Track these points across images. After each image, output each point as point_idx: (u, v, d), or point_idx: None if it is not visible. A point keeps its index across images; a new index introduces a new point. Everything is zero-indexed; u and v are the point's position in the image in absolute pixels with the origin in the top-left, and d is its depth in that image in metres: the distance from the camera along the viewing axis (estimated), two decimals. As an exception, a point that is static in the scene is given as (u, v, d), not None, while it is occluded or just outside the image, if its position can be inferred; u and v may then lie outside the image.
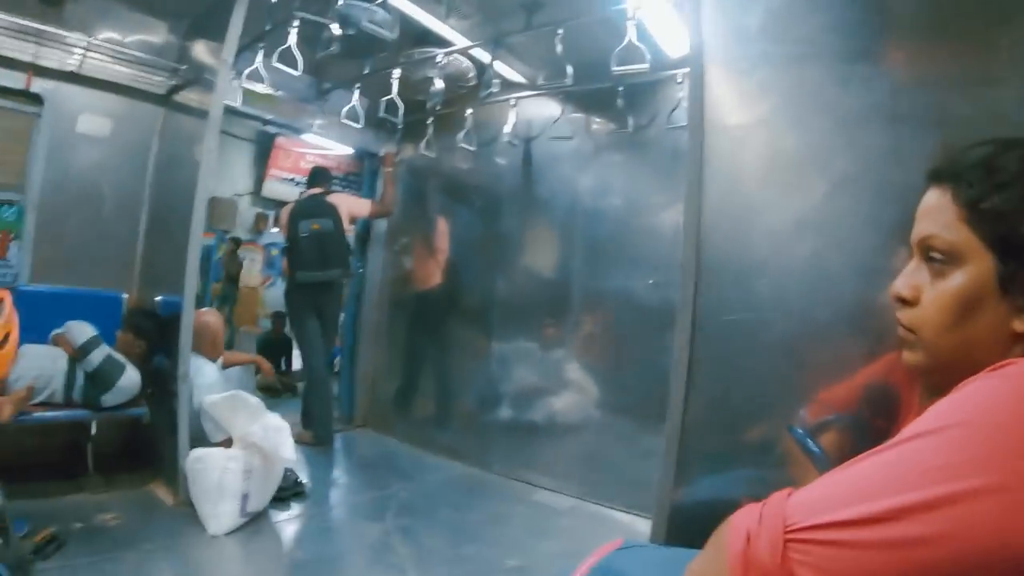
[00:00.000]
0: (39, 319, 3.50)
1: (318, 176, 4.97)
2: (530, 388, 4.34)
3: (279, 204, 7.16)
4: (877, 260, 1.81)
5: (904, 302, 0.99)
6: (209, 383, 3.69)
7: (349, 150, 5.96)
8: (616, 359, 3.99)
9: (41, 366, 3.36)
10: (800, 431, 1.84)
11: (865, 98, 1.90)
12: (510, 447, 4.36)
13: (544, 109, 4.32)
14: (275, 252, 8.83)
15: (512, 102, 4.27)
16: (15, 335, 1.58)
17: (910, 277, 0.99)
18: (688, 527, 2.13)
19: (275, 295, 8.06)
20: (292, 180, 8.76)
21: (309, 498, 3.76)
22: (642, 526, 3.39)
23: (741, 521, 0.82)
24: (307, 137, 5.41)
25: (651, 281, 3.78)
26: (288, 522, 3.49)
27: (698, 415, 2.18)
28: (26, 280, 3.85)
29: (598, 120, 4.20)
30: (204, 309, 3.98)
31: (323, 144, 5.99)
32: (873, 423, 1.76)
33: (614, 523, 3.63)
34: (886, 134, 1.85)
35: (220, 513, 3.21)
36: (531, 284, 4.43)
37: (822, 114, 1.99)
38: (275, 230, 7.97)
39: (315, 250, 4.66)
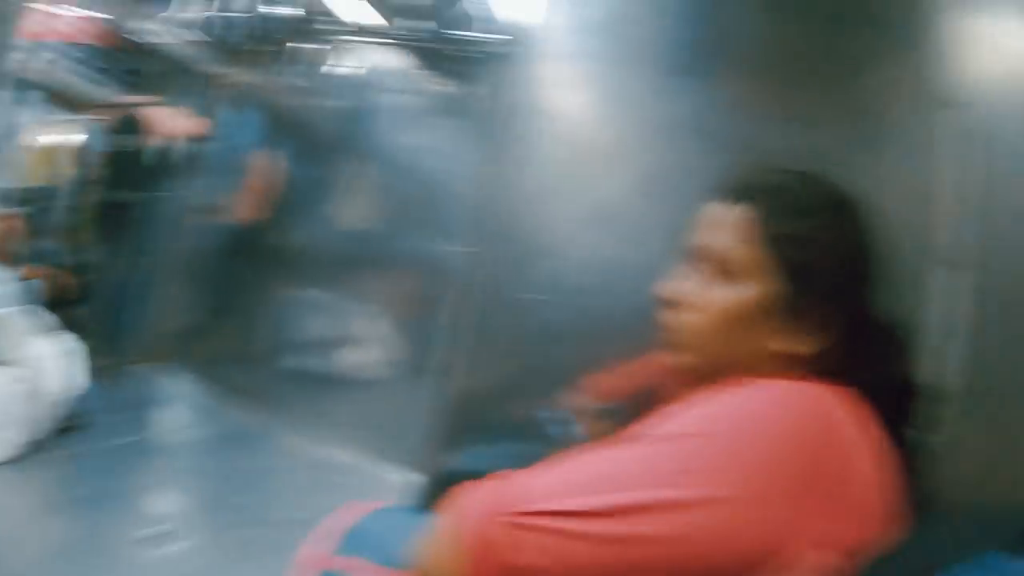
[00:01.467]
0: None
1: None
2: (319, 339, 4.31)
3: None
4: (659, 261, 2.02)
5: (671, 305, 1.05)
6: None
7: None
8: (420, 321, 3.93)
9: None
10: (547, 415, 1.95)
11: (679, 110, 2.11)
12: (301, 396, 4.25)
13: (389, 59, 4.25)
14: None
15: (358, 45, 4.23)
16: None
17: (682, 282, 1.05)
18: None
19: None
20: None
21: (92, 432, 3.50)
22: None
23: (474, 497, 0.86)
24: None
25: (452, 247, 3.86)
26: (65, 457, 3.26)
27: (472, 388, 2.36)
28: None
29: (440, 79, 4.15)
30: None
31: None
32: (633, 415, 1.97)
33: (393, 481, 3.57)
34: (689, 147, 2.05)
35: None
36: (335, 235, 4.34)
37: (635, 117, 2.20)
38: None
39: (112, 170, 4.40)
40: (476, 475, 2.19)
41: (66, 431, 3.37)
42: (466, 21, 3.28)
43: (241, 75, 4.70)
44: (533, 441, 2.08)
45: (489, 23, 3.44)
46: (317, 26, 4.22)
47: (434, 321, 3.78)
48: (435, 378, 3.55)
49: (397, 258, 4.11)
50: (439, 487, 2.16)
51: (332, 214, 4.36)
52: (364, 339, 4.12)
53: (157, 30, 4.13)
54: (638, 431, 0.86)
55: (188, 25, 4.03)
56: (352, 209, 4.29)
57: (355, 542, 1.27)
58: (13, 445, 3.02)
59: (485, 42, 3.55)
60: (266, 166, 4.73)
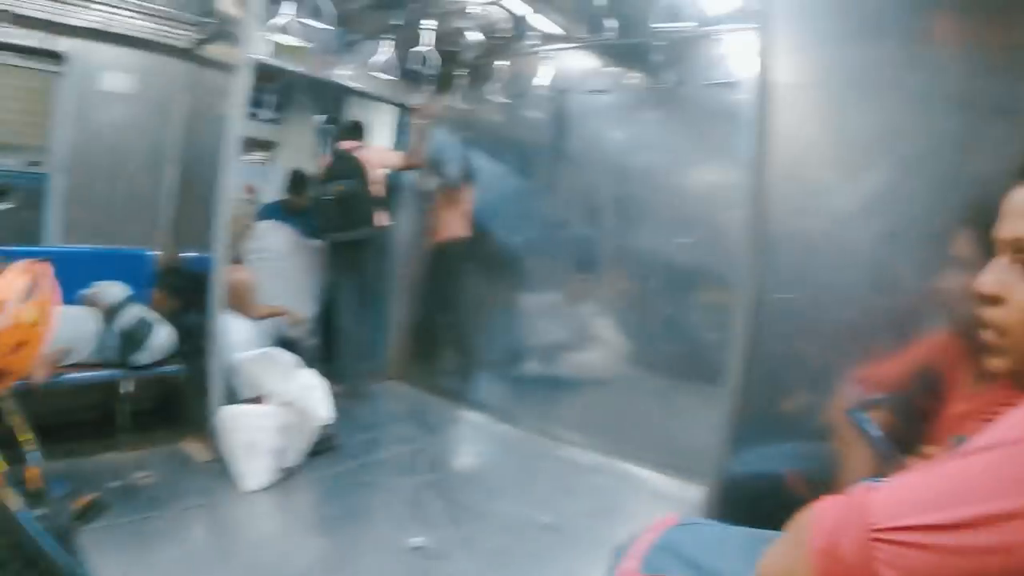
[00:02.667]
0: (69, 280, 3.47)
1: (351, 129, 4.98)
2: (557, 342, 4.36)
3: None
4: (938, 249, 1.82)
5: (990, 301, 0.93)
6: (242, 340, 3.70)
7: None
8: (644, 316, 3.99)
9: (73, 328, 3.34)
10: (860, 415, 1.86)
11: (933, 81, 1.89)
12: (536, 401, 4.40)
13: (580, 62, 4.30)
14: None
15: (547, 54, 4.26)
16: (54, 308, 1.61)
17: (998, 275, 0.93)
18: (739, 499, 2.19)
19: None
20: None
21: (342, 453, 3.80)
22: (668, 486, 3.50)
23: (823, 515, 0.81)
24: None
25: (682, 240, 3.79)
26: (321, 478, 3.53)
27: (754, 388, 2.22)
28: (56, 241, 3.84)
29: (634, 74, 4.14)
30: (237, 266, 3.97)
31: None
32: (920, 404, 1.79)
33: (641, 482, 3.66)
34: (954, 119, 1.85)
35: (253, 470, 3.28)
36: (561, 238, 4.41)
37: (889, 95, 1.99)
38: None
39: (338, 211, 4.71)
40: (764, 478, 2.12)
41: (317, 455, 3.66)
42: (678, 11, 3.19)
43: (440, 102, 4.92)
44: (814, 439, 2.04)
45: (695, 7, 3.34)
46: (510, 41, 4.26)
47: (672, 316, 3.76)
48: (679, 373, 3.54)
49: (628, 257, 4.07)
50: (728, 491, 2.17)
51: (557, 221, 4.41)
52: (598, 341, 4.13)
53: (353, 74, 4.36)
54: (979, 440, 0.77)
55: (382, 66, 4.18)
56: (576, 213, 4.29)
57: (662, 557, 1.22)
58: (273, 472, 3.34)
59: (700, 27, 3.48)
60: (470, 187, 4.89)
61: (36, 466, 2.30)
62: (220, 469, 3.37)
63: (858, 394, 1.94)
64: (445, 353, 5.10)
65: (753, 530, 1.25)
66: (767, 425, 2.21)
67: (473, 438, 4.26)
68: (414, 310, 5.37)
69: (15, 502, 1.68)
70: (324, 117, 6.45)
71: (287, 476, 3.42)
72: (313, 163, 5.59)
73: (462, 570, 2.70)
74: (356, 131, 4.98)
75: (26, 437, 2.37)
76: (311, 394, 3.46)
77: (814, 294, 2.09)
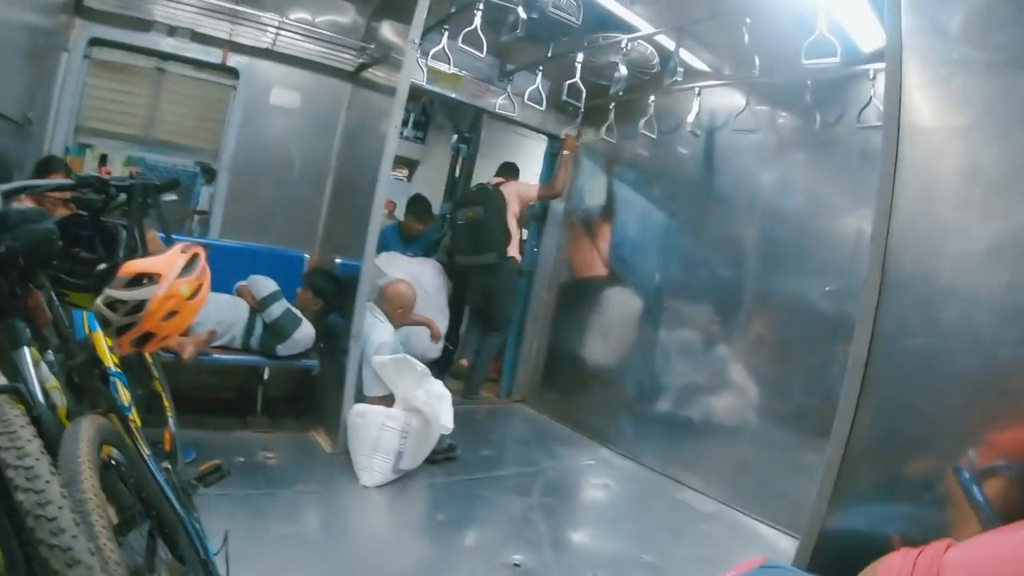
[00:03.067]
0: (225, 271, 3.78)
1: (505, 168, 5.31)
2: (689, 384, 4.20)
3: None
4: None
5: None
6: (381, 342, 3.84)
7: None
8: (781, 366, 3.75)
9: (223, 313, 3.66)
10: (967, 476, 1.71)
11: None
12: (661, 440, 4.28)
13: (728, 100, 4.17)
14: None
15: (696, 91, 4.18)
16: (206, 287, 1.73)
17: None
18: (834, 554, 2.03)
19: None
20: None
21: (460, 464, 3.86)
22: (784, 544, 3.28)
23: (894, 566, 0.78)
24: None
25: (828, 289, 3.52)
26: (436, 485, 3.60)
27: (863, 440, 2.06)
28: (216, 235, 4.20)
29: (784, 114, 3.98)
30: (401, 278, 4.20)
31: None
32: None
33: (755, 535, 3.48)
34: None
35: (373, 467, 3.39)
36: (701, 279, 4.27)
37: None
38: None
39: (468, 236, 4.95)
40: (864, 536, 1.98)
41: (436, 463, 3.75)
42: (829, 48, 3.05)
43: (588, 134, 4.97)
44: (923, 504, 1.85)
45: (847, 46, 3.19)
46: (658, 77, 4.23)
47: (810, 368, 3.56)
48: (811, 429, 3.32)
49: (770, 302, 3.89)
50: (824, 545, 2.02)
51: (699, 260, 4.30)
52: (731, 387, 3.96)
53: (505, 103, 4.48)
54: None
55: (533, 96, 4.28)
56: (718, 253, 4.18)
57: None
58: (392, 472, 3.44)
59: (848, 65, 3.31)
60: (610, 221, 4.89)
61: (171, 430, 2.50)
62: (342, 462, 3.53)
63: (976, 456, 1.74)
64: (575, 383, 5.07)
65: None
66: (877, 482, 2.02)
67: (593, 469, 4.17)
68: (549, 337, 5.38)
69: (143, 450, 1.82)
70: (456, 136, 6.64)
71: (404, 478, 3.51)
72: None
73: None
74: (510, 170, 5.25)
75: (167, 403, 2.58)
76: (438, 403, 3.54)
77: (938, 343, 1.91)
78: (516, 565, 2.78)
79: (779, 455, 3.59)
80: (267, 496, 3.09)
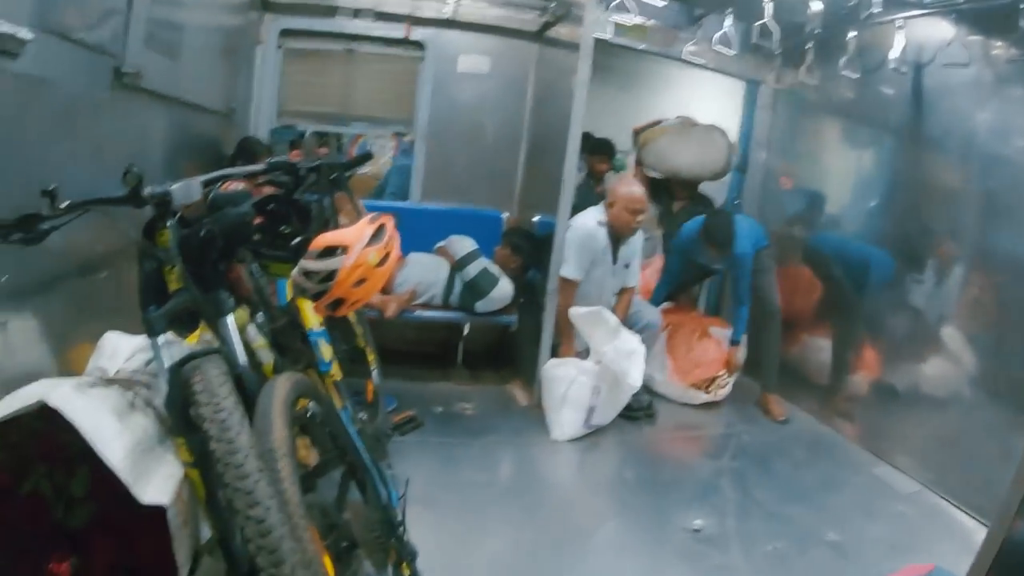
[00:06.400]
0: (426, 233, 4.06)
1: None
2: (894, 347, 3.81)
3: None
4: None
5: None
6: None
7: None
8: (1001, 332, 3.23)
9: (424, 273, 3.90)
10: None
11: None
12: (865, 409, 3.92)
13: (935, 31, 3.56)
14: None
15: (898, 23, 3.68)
16: (394, 255, 1.85)
17: None
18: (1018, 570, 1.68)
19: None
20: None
21: (653, 424, 3.86)
22: (980, 533, 2.90)
23: None
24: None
25: None
26: (625, 442, 3.62)
27: None
28: (416, 199, 4.47)
29: (999, 44, 3.33)
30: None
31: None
32: None
33: (953, 525, 3.07)
34: None
35: (564, 421, 3.48)
36: (911, 234, 3.76)
37: None
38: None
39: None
40: None
41: (629, 419, 3.78)
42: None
43: (788, 77, 4.61)
44: None
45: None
46: (857, 9, 3.81)
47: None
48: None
49: (992, 260, 3.36)
50: (1007, 557, 1.74)
51: (907, 210, 3.89)
52: (946, 351, 3.53)
53: (696, 50, 4.28)
54: None
55: (725, 40, 4.05)
56: (932, 206, 3.74)
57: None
58: (583, 426, 3.51)
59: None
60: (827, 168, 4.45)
61: (373, 382, 2.75)
62: (536, 415, 3.66)
63: None
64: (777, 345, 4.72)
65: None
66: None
67: (790, 435, 3.92)
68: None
69: (338, 401, 2.04)
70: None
71: (595, 434, 3.57)
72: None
73: (731, 564, 2.59)
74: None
75: (371, 357, 2.84)
76: (629, 358, 3.50)
77: None
78: (696, 530, 2.75)
79: (990, 435, 3.10)
80: (461, 445, 3.31)
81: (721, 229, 4.00)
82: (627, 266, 3.99)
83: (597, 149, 5.25)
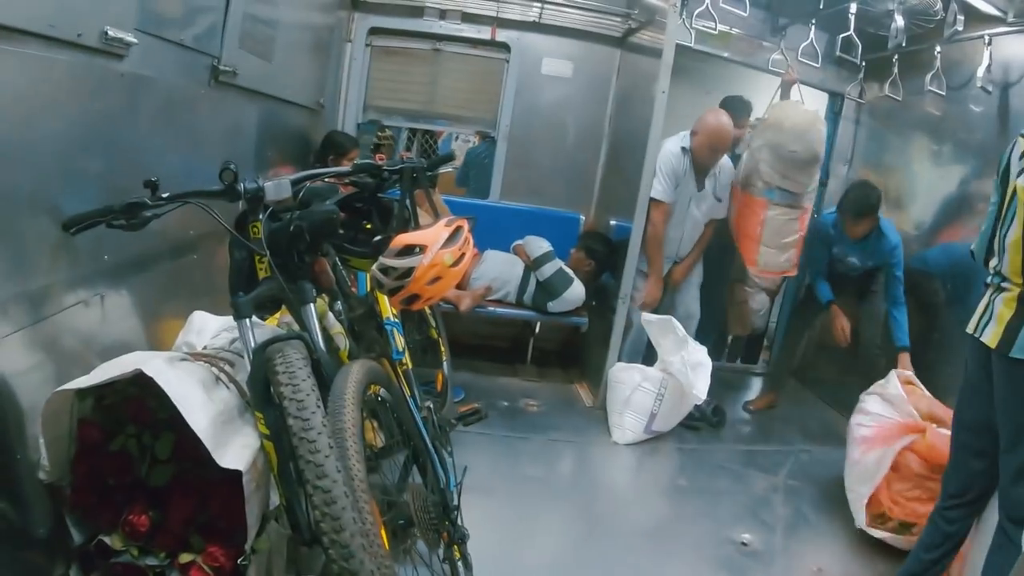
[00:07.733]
0: (504, 231, 4.20)
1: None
2: None
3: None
4: None
5: None
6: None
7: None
8: None
9: (500, 270, 4.04)
10: None
11: None
12: None
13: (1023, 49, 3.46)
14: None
15: (985, 40, 3.54)
16: (469, 256, 1.94)
17: None
18: None
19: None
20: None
21: (717, 435, 3.87)
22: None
23: None
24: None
25: None
26: (685, 450, 3.65)
27: None
28: (495, 197, 4.57)
29: None
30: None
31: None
32: None
33: None
34: None
35: (625, 424, 3.55)
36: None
37: None
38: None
39: None
40: None
41: (690, 429, 3.82)
42: None
43: (872, 91, 4.50)
44: None
45: None
46: (942, 25, 3.67)
47: None
48: None
49: None
50: None
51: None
52: None
53: (781, 59, 4.22)
54: None
55: (807, 51, 3.98)
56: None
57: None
58: (644, 432, 3.57)
59: None
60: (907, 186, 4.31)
61: (444, 372, 2.89)
62: (599, 417, 3.75)
63: None
64: (837, 359, 4.57)
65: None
66: None
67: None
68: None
69: (407, 389, 2.17)
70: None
71: (655, 439, 3.62)
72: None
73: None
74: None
75: (443, 348, 2.97)
76: (693, 372, 3.52)
77: None
78: (744, 544, 2.77)
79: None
80: (522, 440, 3.42)
81: (865, 196, 3.70)
82: (718, 199, 4.04)
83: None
